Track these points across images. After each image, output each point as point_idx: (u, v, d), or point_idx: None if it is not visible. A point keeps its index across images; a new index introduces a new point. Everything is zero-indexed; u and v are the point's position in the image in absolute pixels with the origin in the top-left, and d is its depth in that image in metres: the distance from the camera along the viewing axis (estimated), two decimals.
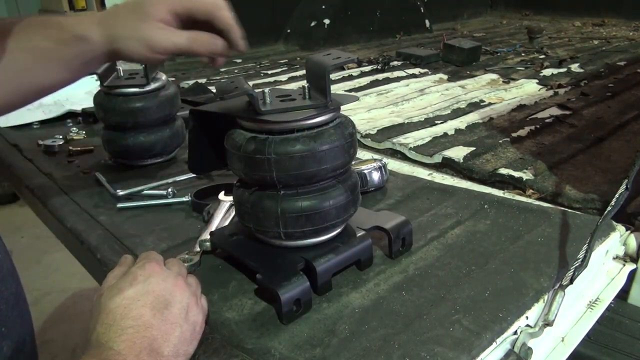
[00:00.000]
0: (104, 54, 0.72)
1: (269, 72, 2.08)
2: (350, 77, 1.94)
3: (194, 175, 1.01)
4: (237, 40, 0.68)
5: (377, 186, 0.96)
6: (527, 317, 0.63)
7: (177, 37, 0.69)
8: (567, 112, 1.43)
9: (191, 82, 1.81)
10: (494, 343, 0.58)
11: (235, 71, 2.13)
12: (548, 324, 0.62)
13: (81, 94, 1.48)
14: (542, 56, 2.24)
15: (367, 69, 2.08)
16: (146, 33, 0.68)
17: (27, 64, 0.70)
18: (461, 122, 1.36)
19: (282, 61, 2.31)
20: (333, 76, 1.92)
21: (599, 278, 0.81)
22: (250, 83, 0.64)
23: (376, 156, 1.12)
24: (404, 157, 1.19)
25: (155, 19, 0.68)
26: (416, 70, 2.04)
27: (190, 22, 0.71)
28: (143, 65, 1.04)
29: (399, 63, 2.17)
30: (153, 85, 1.05)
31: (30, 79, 0.71)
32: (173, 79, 1.94)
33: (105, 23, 0.70)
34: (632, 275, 0.82)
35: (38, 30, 0.70)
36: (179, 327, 0.55)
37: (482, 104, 1.56)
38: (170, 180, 1.02)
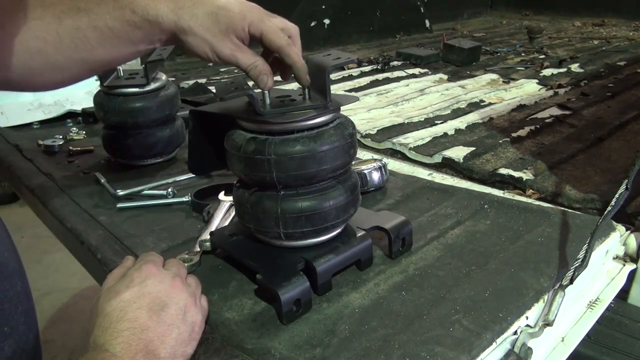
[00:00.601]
0: (170, 39, 0.72)
1: None
2: (350, 77, 1.94)
3: (194, 175, 1.01)
4: (301, 77, 0.70)
5: (377, 186, 0.96)
6: (527, 317, 0.63)
7: (242, 57, 0.69)
8: (567, 112, 1.43)
9: (191, 82, 1.81)
10: (494, 343, 0.58)
11: (235, 71, 2.13)
12: (548, 324, 0.62)
13: (81, 94, 1.48)
14: (542, 56, 2.24)
15: (367, 69, 2.08)
16: (218, 43, 0.68)
17: (95, 42, 0.70)
18: (461, 122, 1.36)
19: None
20: (333, 76, 1.92)
21: (599, 278, 0.81)
22: (250, 83, 0.64)
23: (376, 156, 1.12)
24: (404, 157, 1.19)
25: (233, 34, 0.68)
26: (416, 70, 2.04)
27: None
28: (143, 65, 1.04)
29: (399, 63, 2.17)
30: (153, 85, 1.05)
31: (96, 56, 0.72)
32: (173, 79, 1.94)
33: (182, 15, 0.69)
34: (632, 275, 0.82)
35: (109, 9, 0.70)
36: (176, 328, 0.55)
37: (482, 104, 1.56)
38: (170, 180, 1.02)
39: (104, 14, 0.69)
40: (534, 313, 0.64)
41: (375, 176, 0.95)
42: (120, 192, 0.97)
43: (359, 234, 0.71)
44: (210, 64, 2.24)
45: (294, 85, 0.77)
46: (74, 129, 1.39)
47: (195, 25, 0.68)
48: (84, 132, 1.35)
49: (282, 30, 0.69)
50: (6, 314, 0.56)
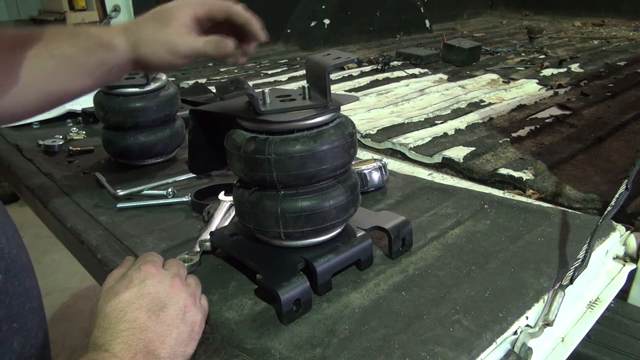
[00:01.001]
0: (129, 62, 0.74)
1: (269, 72, 2.08)
2: (350, 77, 1.94)
3: (194, 175, 1.01)
4: (257, 31, 0.72)
5: (377, 186, 0.96)
6: (527, 317, 0.63)
7: (195, 42, 0.72)
8: (567, 112, 1.43)
9: (191, 82, 1.81)
10: (494, 343, 0.58)
11: (235, 71, 2.13)
12: (548, 324, 0.62)
13: None
14: (542, 56, 2.24)
15: (367, 69, 2.08)
16: (168, 37, 0.71)
17: (53, 70, 0.72)
18: (461, 122, 1.36)
19: (282, 61, 2.31)
20: (333, 76, 1.92)
21: (599, 278, 0.81)
22: (250, 83, 0.64)
23: (376, 156, 1.12)
24: (404, 157, 1.19)
25: (177, 24, 0.71)
26: (416, 70, 2.04)
27: (211, 25, 0.74)
28: None
29: (399, 63, 2.17)
30: (153, 85, 1.05)
31: (55, 84, 0.74)
32: (173, 79, 1.95)
33: (130, 30, 0.72)
34: (632, 275, 0.82)
35: (65, 37, 0.72)
36: (176, 328, 0.55)
37: (482, 104, 1.56)
38: (170, 180, 1.02)
39: (60, 42, 0.71)
40: (534, 313, 0.64)
41: (375, 176, 0.95)
42: (120, 192, 0.97)
43: (359, 234, 0.71)
44: (210, 64, 2.25)
45: (294, 85, 0.77)
46: (74, 129, 1.39)
47: (144, 32, 0.71)
48: (84, 132, 1.36)
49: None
50: (15, 310, 0.57)
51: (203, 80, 1.87)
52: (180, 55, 0.72)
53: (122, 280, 0.58)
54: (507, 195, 0.95)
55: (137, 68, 0.76)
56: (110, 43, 0.72)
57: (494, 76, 1.90)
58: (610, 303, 0.80)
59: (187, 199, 0.93)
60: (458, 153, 1.12)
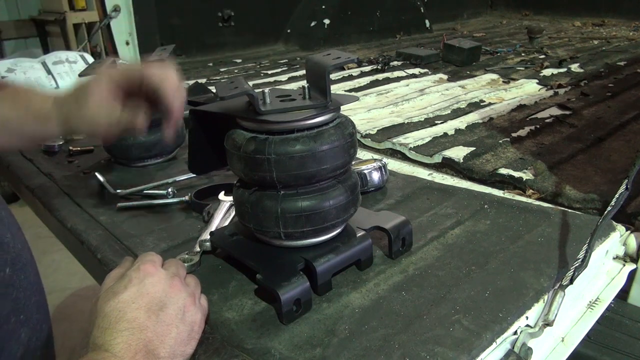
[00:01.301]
0: (63, 132, 0.78)
1: (269, 72, 2.08)
2: (350, 77, 1.94)
3: (194, 175, 1.01)
4: (169, 103, 0.73)
5: (377, 186, 0.96)
6: (527, 317, 0.63)
7: (113, 112, 0.74)
8: (567, 112, 1.43)
9: (191, 82, 1.80)
10: (494, 343, 0.58)
11: (235, 71, 2.13)
12: (548, 324, 0.62)
13: None
14: (542, 56, 2.24)
15: (367, 69, 2.08)
16: (89, 115, 0.73)
17: None
18: (461, 122, 1.36)
19: (282, 61, 2.31)
20: (333, 76, 1.92)
21: (599, 278, 0.81)
22: (250, 83, 0.64)
23: (376, 156, 1.12)
24: (404, 157, 1.19)
25: (94, 100, 0.73)
26: (416, 70, 2.04)
27: (134, 93, 0.76)
28: None
29: (399, 63, 2.18)
30: None
31: None
32: None
33: (60, 105, 0.76)
34: (632, 275, 0.82)
35: (7, 100, 0.76)
36: (175, 328, 0.55)
37: (482, 104, 1.56)
38: (170, 180, 1.02)
39: (1, 102, 0.75)
40: (534, 313, 0.64)
41: (375, 176, 0.95)
42: (120, 192, 0.97)
43: (359, 234, 0.71)
44: (210, 64, 2.25)
45: (294, 85, 0.77)
46: None
47: (69, 109, 0.74)
48: None
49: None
50: (21, 303, 0.58)
51: (203, 80, 1.87)
52: (104, 129, 0.75)
53: (121, 280, 0.58)
54: (507, 195, 0.95)
55: (74, 134, 0.79)
56: (47, 116, 0.75)
57: (494, 76, 1.90)
58: (610, 303, 0.80)
59: (187, 199, 0.93)
60: (458, 153, 1.12)
